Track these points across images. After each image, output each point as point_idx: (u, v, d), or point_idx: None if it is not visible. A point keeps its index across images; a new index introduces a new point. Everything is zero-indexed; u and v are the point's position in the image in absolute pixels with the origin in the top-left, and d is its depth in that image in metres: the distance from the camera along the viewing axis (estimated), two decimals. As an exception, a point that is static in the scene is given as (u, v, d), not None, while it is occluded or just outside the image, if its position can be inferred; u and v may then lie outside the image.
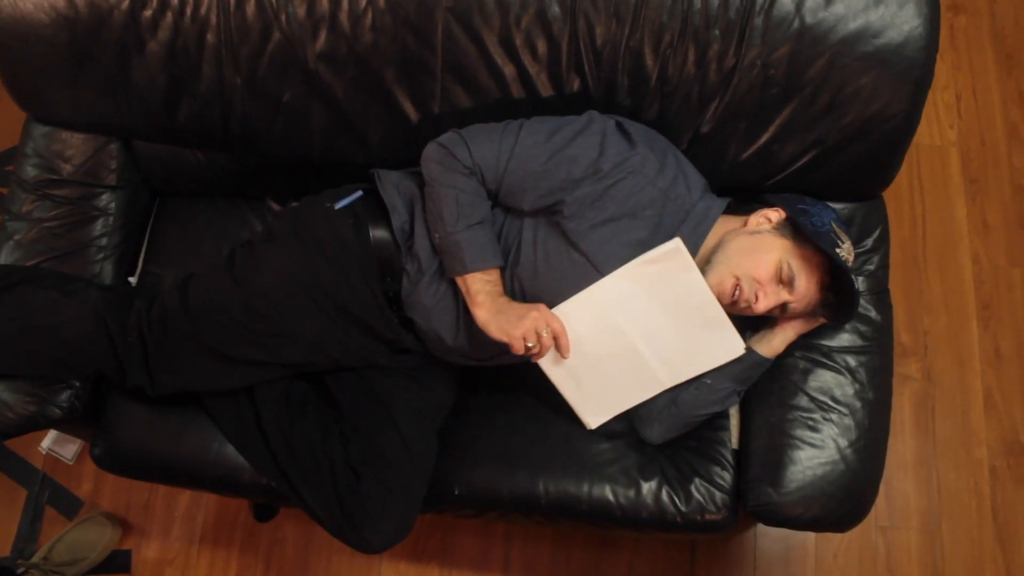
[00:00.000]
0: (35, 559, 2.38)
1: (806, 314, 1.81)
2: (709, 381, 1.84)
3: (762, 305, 1.72)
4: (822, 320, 1.84)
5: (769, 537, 2.46)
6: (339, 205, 1.82)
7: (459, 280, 1.72)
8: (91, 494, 2.53)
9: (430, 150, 1.75)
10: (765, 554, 2.45)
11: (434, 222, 1.73)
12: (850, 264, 1.75)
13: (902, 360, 2.59)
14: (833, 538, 2.47)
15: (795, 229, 1.75)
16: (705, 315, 1.74)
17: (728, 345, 1.79)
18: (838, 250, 1.71)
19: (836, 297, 1.77)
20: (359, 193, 1.84)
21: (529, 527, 2.44)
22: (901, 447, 2.54)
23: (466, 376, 1.99)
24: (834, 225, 1.76)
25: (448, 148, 1.71)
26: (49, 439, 2.54)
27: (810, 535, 2.47)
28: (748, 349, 1.82)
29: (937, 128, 2.90)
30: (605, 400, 1.86)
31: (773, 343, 1.84)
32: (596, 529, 2.07)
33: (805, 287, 1.74)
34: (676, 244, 1.67)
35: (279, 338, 1.83)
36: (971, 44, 3.01)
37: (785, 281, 1.72)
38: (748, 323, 1.85)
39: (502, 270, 1.74)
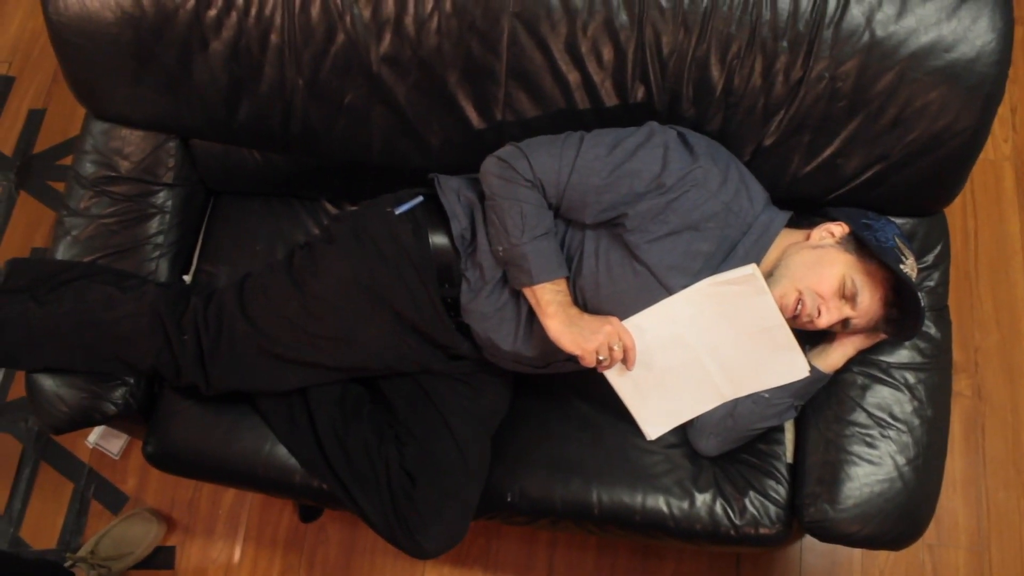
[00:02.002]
0: (81, 552, 2.39)
1: (868, 330, 1.79)
2: (767, 395, 1.82)
3: (824, 320, 1.71)
4: (883, 336, 1.83)
5: (815, 552, 2.44)
6: (400, 210, 1.81)
7: (527, 291, 1.71)
8: (136, 490, 2.54)
9: (490, 164, 1.74)
10: (810, 568, 2.43)
11: (497, 234, 1.72)
12: (913, 280, 1.73)
13: (953, 376, 2.55)
14: (879, 555, 2.44)
15: (859, 244, 1.73)
16: (774, 337, 1.73)
17: (793, 366, 1.78)
18: (902, 266, 1.69)
19: (900, 313, 1.75)
20: (420, 198, 1.84)
21: (575, 534, 2.43)
22: (950, 465, 2.51)
23: (520, 383, 1.99)
24: (898, 240, 1.74)
25: (508, 162, 1.70)
26: (96, 434, 2.55)
27: (857, 551, 2.44)
28: (812, 370, 1.80)
29: (991, 142, 2.86)
30: (665, 411, 1.86)
31: (832, 358, 1.83)
32: (647, 539, 2.06)
33: (868, 303, 1.72)
34: (752, 270, 1.66)
35: (335, 341, 1.83)
36: (1028, 57, 2.98)
37: (848, 296, 1.70)
38: (808, 337, 1.83)
39: (567, 280, 1.73)
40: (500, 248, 1.72)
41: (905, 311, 1.74)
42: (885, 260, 1.67)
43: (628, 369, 1.71)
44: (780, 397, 1.82)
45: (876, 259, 1.70)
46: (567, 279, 1.73)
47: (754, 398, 1.83)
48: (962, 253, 2.73)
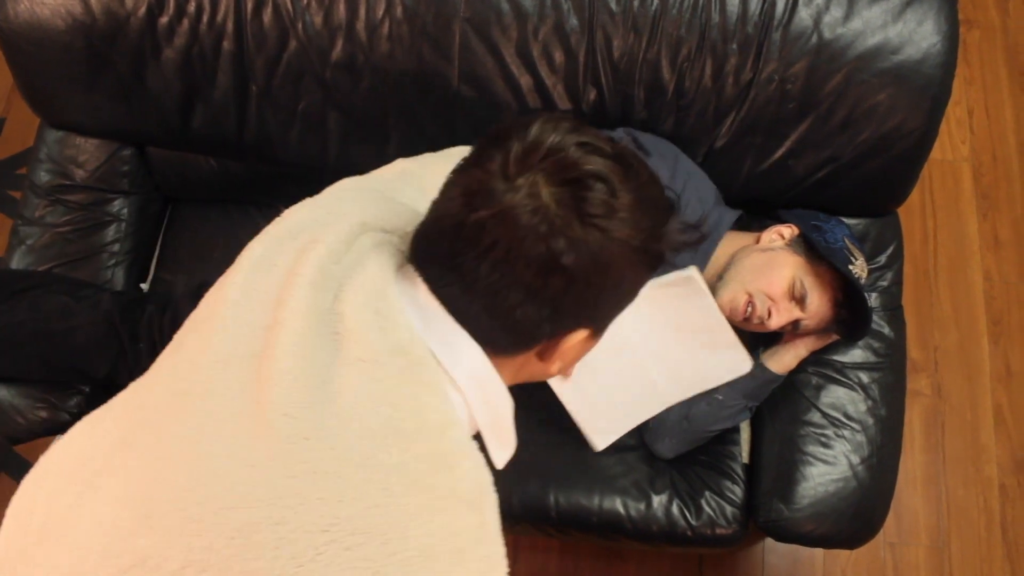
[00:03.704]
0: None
1: (819, 331, 1.81)
2: (721, 397, 1.83)
3: (775, 322, 1.72)
4: (835, 337, 1.84)
5: (777, 552, 2.45)
6: (355, 215, 1.81)
7: None
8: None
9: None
10: (773, 569, 2.44)
11: None
12: (864, 280, 1.75)
13: (912, 376, 2.58)
14: (841, 554, 2.46)
15: (808, 246, 1.75)
16: (715, 336, 1.74)
17: (735, 363, 1.78)
18: (851, 267, 1.71)
19: (850, 314, 1.77)
20: (375, 203, 1.84)
21: (537, 538, 2.43)
22: (910, 463, 2.53)
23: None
24: (847, 241, 1.76)
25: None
26: (57, 443, 2.53)
27: (818, 550, 2.45)
28: (759, 366, 1.81)
29: (949, 143, 2.89)
30: (612, 418, 1.86)
31: (785, 359, 1.84)
32: (605, 541, 2.07)
33: (818, 304, 1.73)
34: (690, 272, 1.67)
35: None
36: (984, 59, 3.01)
37: (798, 298, 1.72)
38: (760, 339, 1.84)
39: None
40: None
41: (854, 312, 1.75)
42: (834, 261, 1.69)
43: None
44: (734, 399, 1.83)
45: (825, 261, 1.72)
46: None
47: (708, 400, 1.84)
48: (921, 253, 2.76)
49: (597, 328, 1.03)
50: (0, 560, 0.97)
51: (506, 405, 1.03)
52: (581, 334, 1.00)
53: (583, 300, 0.95)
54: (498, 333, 0.97)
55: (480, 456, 0.95)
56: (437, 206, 0.97)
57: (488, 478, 0.95)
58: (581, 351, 1.05)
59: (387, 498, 0.86)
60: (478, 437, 1.00)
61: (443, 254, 0.95)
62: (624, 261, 0.93)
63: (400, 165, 1.48)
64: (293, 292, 0.97)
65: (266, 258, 1.05)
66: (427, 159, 1.57)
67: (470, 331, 0.97)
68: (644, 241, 0.93)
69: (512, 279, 0.91)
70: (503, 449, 1.06)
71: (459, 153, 1.02)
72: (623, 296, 1.01)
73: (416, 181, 1.37)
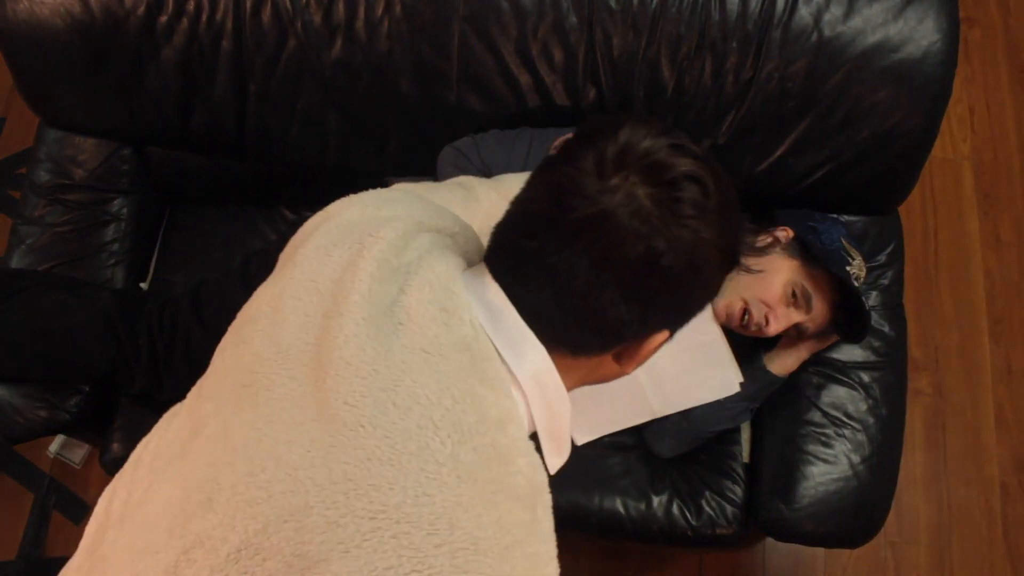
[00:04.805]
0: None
1: (819, 333, 1.80)
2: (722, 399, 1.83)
3: (773, 328, 1.72)
4: (835, 338, 1.84)
5: (778, 551, 2.44)
6: (356, 215, 1.81)
7: None
8: (98, 499, 2.52)
9: (445, 153, 1.78)
10: (774, 568, 2.44)
11: None
12: (862, 279, 1.74)
13: (913, 375, 2.57)
14: (842, 553, 2.45)
15: (804, 248, 1.74)
16: (710, 351, 1.73)
17: (724, 383, 1.78)
18: (848, 267, 1.70)
19: (848, 316, 1.76)
20: (376, 203, 1.84)
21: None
22: (911, 462, 2.53)
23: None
24: (844, 242, 1.75)
25: (462, 151, 1.74)
26: (57, 443, 2.53)
27: (819, 550, 2.45)
28: (760, 369, 1.81)
29: (950, 142, 2.89)
30: (596, 420, 1.86)
31: (787, 362, 1.84)
32: (605, 541, 2.06)
33: (816, 308, 1.73)
34: None
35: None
36: (985, 58, 3.00)
37: (796, 303, 1.71)
38: (761, 340, 1.84)
39: None
40: None
41: (852, 314, 1.75)
42: (828, 264, 1.68)
43: None
44: (734, 400, 1.83)
45: (821, 264, 1.71)
46: None
47: (710, 405, 1.83)
48: (922, 252, 2.75)
49: (675, 329, 1.04)
50: (86, 541, 1.07)
51: (565, 410, 1.03)
52: (663, 335, 1.01)
53: (674, 301, 0.97)
54: (584, 333, 0.98)
55: (536, 456, 0.95)
56: (520, 205, 0.98)
57: (543, 478, 0.95)
58: (655, 352, 1.05)
59: (438, 488, 0.87)
60: (535, 438, 1.00)
61: (531, 253, 0.95)
62: (712, 262, 0.94)
63: (449, 182, 1.53)
64: (355, 284, 0.98)
65: (323, 250, 1.05)
66: (471, 181, 1.58)
67: (545, 332, 0.98)
68: (728, 242, 0.96)
69: (608, 279, 0.92)
70: (558, 455, 1.06)
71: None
72: (706, 297, 1.02)
73: (462, 191, 1.41)
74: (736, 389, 1.78)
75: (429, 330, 0.95)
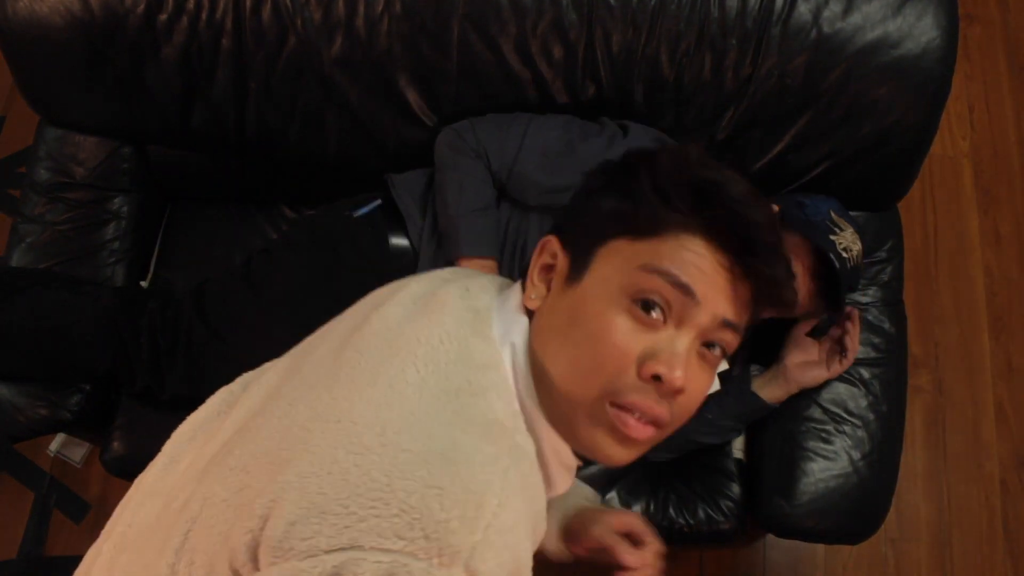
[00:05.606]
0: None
1: (805, 309, 1.77)
2: (710, 416, 1.83)
3: None
4: (827, 376, 1.82)
5: (778, 548, 2.45)
6: (358, 213, 1.82)
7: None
8: (99, 498, 2.53)
9: (443, 134, 1.80)
10: (774, 565, 2.44)
11: (439, 206, 1.76)
12: (854, 252, 1.71)
13: (913, 371, 2.57)
14: (842, 549, 2.45)
15: (789, 224, 1.73)
16: None
17: None
18: (834, 237, 1.68)
19: (827, 285, 1.74)
20: (378, 202, 1.85)
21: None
22: (911, 459, 2.53)
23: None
24: (833, 214, 1.74)
25: (459, 132, 1.76)
26: (58, 442, 2.53)
27: (819, 546, 2.45)
28: (751, 393, 1.82)
29: (950, 139, 2.89)
30: None
31: (776, 393, 1.84)
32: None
33: (798, 280, 1.70)
34: None
35: (293, 346, 1.82)
36: (985, 55, 3.01)
37: None
38: (757, 352, 1.84)
39: (500, 263, 1.75)
40: (441, 219, 1.76)
41: (831, 280, 1.73)
42: (803, 230, 1.68)
43: None
44: (722, 419, 1.84)
45: (798, 232, 1.70)
46: (497, 261, 1.75)
47: (698, 417, 1.82)
48: (921, 249, 2.75)
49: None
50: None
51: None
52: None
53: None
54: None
55: (515, 401, 1.00)
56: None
57: (524, 442, 0.98)
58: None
59: (399, 401, 0.92)
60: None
61: None
62: None
63: None
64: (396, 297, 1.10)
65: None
66: None
67: None
68: None
69: None
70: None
71: None
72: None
73: None
74: (715, 387, 1.78)
75: (448, 300, 1.05)
